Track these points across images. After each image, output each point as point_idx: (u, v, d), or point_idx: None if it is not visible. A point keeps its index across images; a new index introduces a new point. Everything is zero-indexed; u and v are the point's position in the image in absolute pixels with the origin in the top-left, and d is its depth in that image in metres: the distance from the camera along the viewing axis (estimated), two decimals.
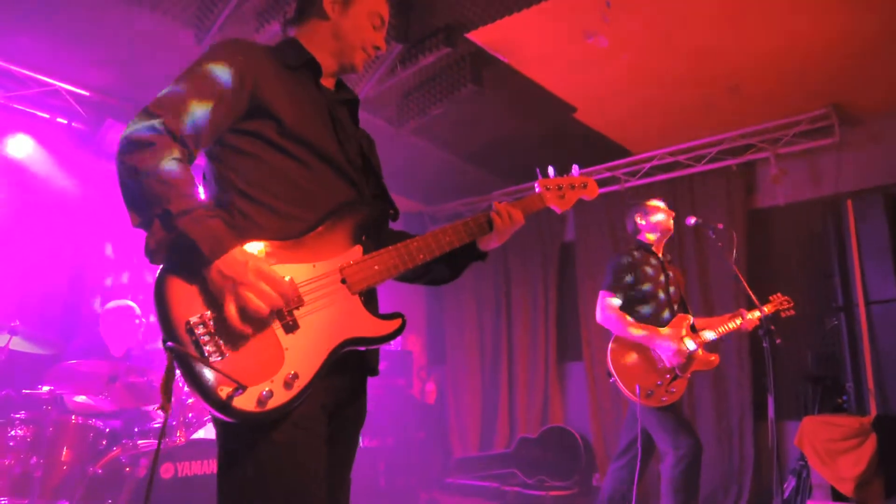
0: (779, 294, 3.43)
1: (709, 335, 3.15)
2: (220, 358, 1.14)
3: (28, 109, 4.21)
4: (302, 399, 1.20)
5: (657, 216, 3.32)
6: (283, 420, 1.19)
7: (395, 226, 1.64)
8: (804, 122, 4.62)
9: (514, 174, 5.92)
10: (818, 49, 3.81)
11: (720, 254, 4.19)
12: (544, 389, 5.90)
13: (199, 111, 1.25)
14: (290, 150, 1.34)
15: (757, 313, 3.21)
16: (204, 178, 1.41)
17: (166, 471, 2.89)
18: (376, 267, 1.37)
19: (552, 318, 5.98)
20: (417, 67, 3.94)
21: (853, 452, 3.50)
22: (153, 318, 3.88)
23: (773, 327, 3.08)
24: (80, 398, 3.31)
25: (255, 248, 1.25)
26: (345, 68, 1.54)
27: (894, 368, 3.65)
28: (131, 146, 1.19)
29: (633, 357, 3.07)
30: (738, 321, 3.23)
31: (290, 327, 1.22)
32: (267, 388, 1.15)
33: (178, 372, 1.16)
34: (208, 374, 1.12)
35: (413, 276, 1.60)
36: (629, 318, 3.13)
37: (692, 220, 3.34)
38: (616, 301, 3.18)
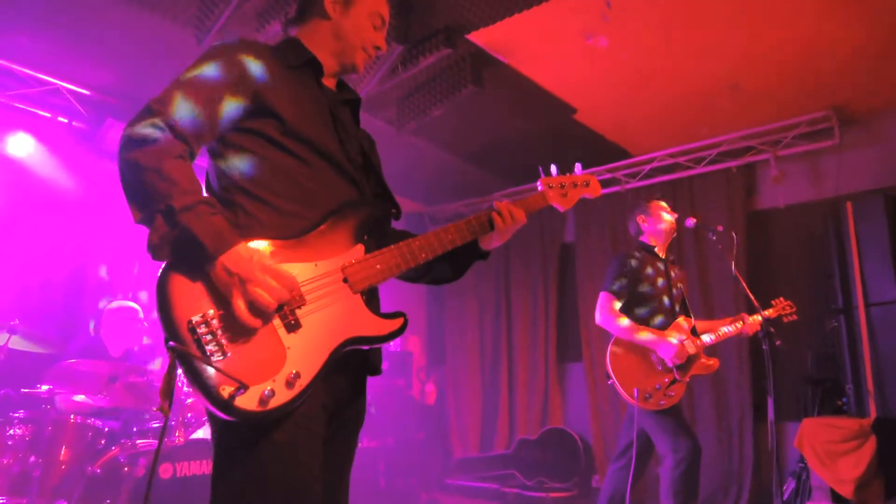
0: (781, 298, 3.43)
1: (709, 339, 3.15)
2: (222, 357, 1.14)
3: (29, 108, 4.21)
4: (304, 398, 1.20)
5: (661, 224, 3.31)
6: (284, 419, 1.18)
7: (396, 225, 1.64)
8: (804, 124, 4.63)
9: (514, 175, 5.92)
10: (818, 51, 3.81)
11: (720, 255, 4.20)
12: (544, 390, 5.90)
13: (200, 109, 1.26)
14: (292, 148, 1.35)
15: (759, 317, 3.21)
16: (206, 175, 1.41)
17: (165, 471, 2.89)
18: (378, 266, 1.36)
19: (552, 319, 5.98)
20: (418, 68, 3.94)
21: (853, 454, 3.50)
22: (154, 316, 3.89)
23: (772, 329, 3.08)
24: (79, 397, 3.31)
25: (258, 246, 1.25)
26: (346, 68, 1.54)
27: (894, 370, 3.64)
28: (133, 143, 1.19)
29: (632, 359, 3.07)
30: (740, 325, 3.23)
31: (292, 326, 1.22)
32: (269, 388, 1.15)
33: (179, 371, 1.15)
34: (210, 374, 1.12)
35: (415, 275, 1.61)
36: (629, 321, 3.12)
37: (692, 222, 3.33)
38: (616, 303, 3.17)
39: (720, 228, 3.32)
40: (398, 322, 1.35)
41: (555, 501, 5.17)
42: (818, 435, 3.64)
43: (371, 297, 1.38)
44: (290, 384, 1.17)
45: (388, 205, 1.49)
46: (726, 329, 3.22)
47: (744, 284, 3.27)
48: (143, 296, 4.50)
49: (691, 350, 3.05)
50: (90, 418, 3.22)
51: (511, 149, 5.34)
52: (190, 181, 1.18)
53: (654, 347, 3.04)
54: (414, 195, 6.55)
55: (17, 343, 3.23)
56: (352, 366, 1.36)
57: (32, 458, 3.06)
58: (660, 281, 3.25)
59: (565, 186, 1.75)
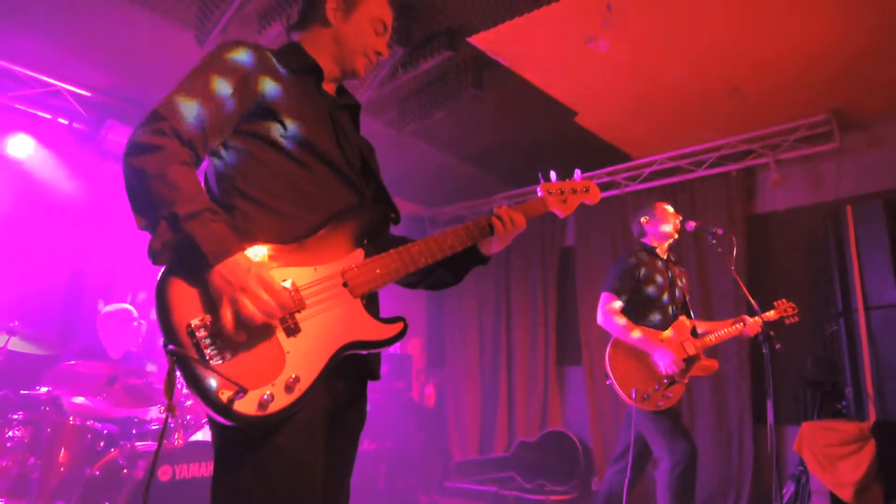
0: (783, 300, 3.43)
1: (709, 340, 3.15)
2: (221, 361, 1.14)
3: (29, 109, 4.21)
4: (303, 403, 1.19)
5: (665, 227, 3.31)
6: (284, 424, 1.18)
7: (396, 231, 1.64)
8: (804, 128, 4.63)
9: (515, 178, 5.92)
10: (818, 55, 3.82)
11: (720, 259, 4.19)
12: (543, 393, 5.90)
13: (205, 113, 1.26)
14: (292, 152, 1.35)
15: (760, 319, 3.21)
16: (205, 177, 1.41)
17: (164, 473, 2.88)
18: (378, 270, 1.37)
19: (552, 322, 5.98)
20: (419, 71, 3.95)
21: (852, 458, 3.50)
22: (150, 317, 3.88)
23: (772, 332, 3.08)
24: (79, 399, 3.30)
25: (258, 251, 1.25)
26: (346, 73, 1.54)
27: (893, 374, 3.64)
28: (139, 149, 1.19)
29: (631, 360, 3.07)
30: (741, 326, 3.23)
31: (292, 331, 1.22)
32: (268, 392, 1.15)
33: (178, 374, 1.15)
34: (209, 378, 1.12)
35: (415, 280, 1.61)
36: (629, 322, 3.12)
37: (692, 225, 3.33)
38: (617, 303, 3.17)
39: (720, 232, 3.32)
40: (398, 327, 1.35)
41: None
42: (818, 438, 3.63)
43: (371, 302, 1.38)
44: (289, 388, 1.17)
45: (387, 209, 1.49)
46: (726, 330, 3.22)
47: (743, 287, 3.27)
48: (142, 297, 4.50)
49: (691, 351, 3.05)
50: (89, 420, 3.21)
51: (511, 151, 5.35)
52: (195, 188, 1.19)
53: (651, 353, 3.04)
54: (414, 197, 6.55)
55: (17, 345, 3.22)
56: (351, 370, 1.36)
57: (31, 460, 3.05)
58: (661, 281, 3.25)
59: (565, 192, 1.76)
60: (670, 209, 3.38)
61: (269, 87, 1.35)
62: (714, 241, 3.32)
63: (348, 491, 1.45)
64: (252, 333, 1.18)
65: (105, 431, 3.25)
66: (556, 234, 6.11)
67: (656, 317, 3.18)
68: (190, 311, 1.16)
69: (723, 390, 4.79)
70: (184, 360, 1.12)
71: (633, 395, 2.95)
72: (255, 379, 1.15)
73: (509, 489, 5.50)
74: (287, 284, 1.24)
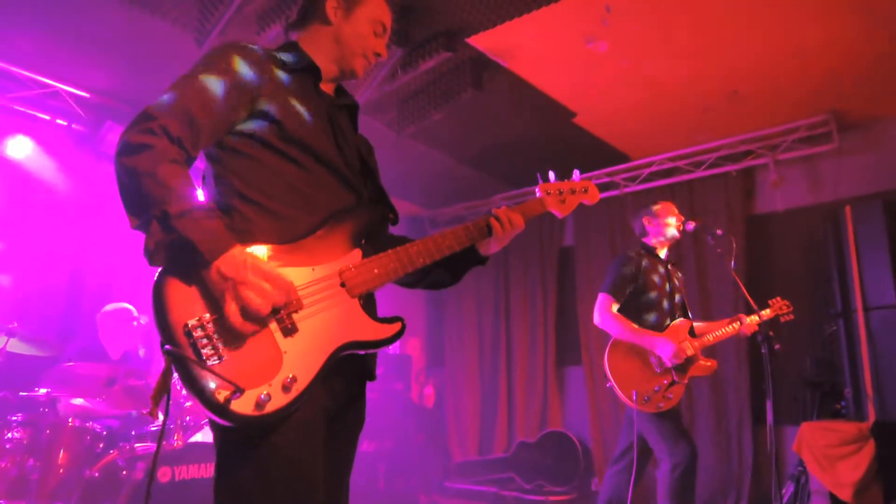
0: (778, 298, 3.43)
1: (707, 340, 3.15)
2: (217, 361, 1.14)
3: (28, 111, 4.21)
4: (300, 403, 1.19)
5: (666, 226, 3.31)
6: (281, 424, 1.18)
7: (395, 230, 1.64)
8: (803, 129, 4.63)
9: (514, 178, 5.92)
10: (817, 56, 3.82)
11: (719, 259, 4.20)
12: (543, 394, 5.90)
13: (197, 113, 1.25)
14: (289, 153, 1.34)
15: (756, 318, 3.21)
16: (203, 179, 1.41)
17: (164, 474, 2.88)
18: (376, 271, 1.37)
19: (551, 323, 5.98)
20: (418, 72, 3.95)
21: (852, 458, 3.50)
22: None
23: (771, 333, 3.08)
24: (78, 401, 3.30)
25: (255, 250, 1.25)
26: (345, 74, 1.54)
27: (893, 374, 3.64)
28: (129, 148, 1.19)
29: (630, 362, 3.06)
30: (737, 325, 3.23)
31: (289, 331, 1.22)
32: (265, 392, 1.15)
33: (175, 375, 1.15)
34: (206, 378, 1.12)
35: (413, 280, 1.61)
36: (628, 321, 3.12)
37: (691, 226, 3.33)
38: (615, 304, 3.17)
39: (719, 232, 3.32)
40: (396, 327, 1.35)
41: None
42: (817, 439, 3.63)
43: (368, 302, 1.38)
44: (286, 388, 1.17)
45: (385, 210, 1.49)
46: (724, 330, 3.22)
47: (742, 288, 3.27)
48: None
49: (689, 351, 3.05)
50: (89, 421, 3.21)
51: (510, 152, 5.35)
52: (185, 186, 1.18)
53: (652, 347, 3.03)
54: (413, 198, 6.55)
55: (16, 346, 3.22)
56: (350, 370, 1.36)
57: (30, 462, 3.05)
58: (659, 282, 3.25)
59: (563, 193, 1.75)
60: (674, 210, 3.36)
61: (265, 88, 1.34)
62: (713, 242, 3.32)
63: (348, 491, 1.45)
64: (248, 334, 1.18)
65: (104, 433, 3.24)
66: (554, 234, 6.12)
67: (654, 317, 3.18)
68: (187, 311, 1.16)
69: (722, 391, 4.79)
70: (181, 361, 1.12)
71: (634, 397, 2.95)
72: (252, 379, 1.15)
73: (509, 490, 5.50)
74: None
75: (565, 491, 5.25)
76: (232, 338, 1.17)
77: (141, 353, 3.90)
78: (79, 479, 3.00)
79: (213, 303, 1.17)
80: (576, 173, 1.81)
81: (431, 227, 6.84)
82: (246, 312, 1.16)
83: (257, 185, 1.32)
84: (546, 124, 4.80)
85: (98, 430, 3.21)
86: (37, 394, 3.22)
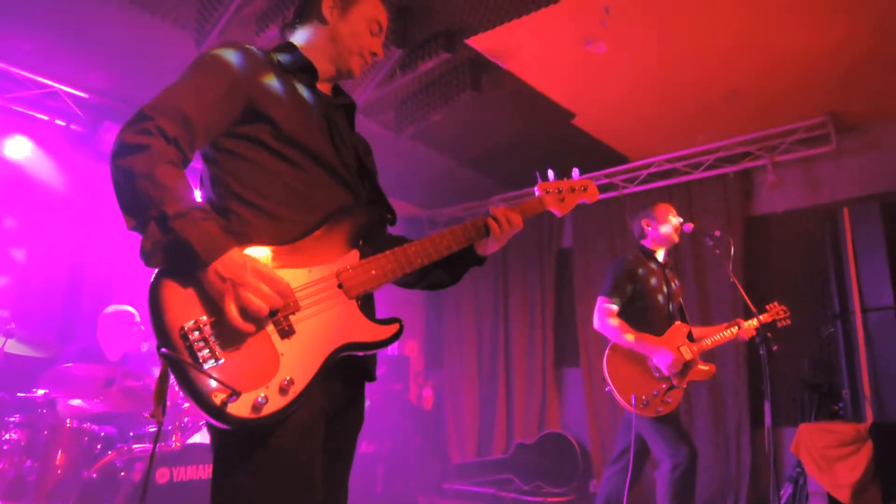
0: (776, 303, 3.44)
1: (705, 345, 3.15)
2: (214, 364, 1.14)
3: (26, 111, 4.21)
4: (298, 405, 1.19)
5: (665, 229, 3.30)
6: (279, 426, 1.18)
7: (393, 231, 1.64)
8: (801, 130, 4.64)
9: (512, 179, 5.92)
10: (815, 58, 3.83)
11: (717, 261, 4.20)
12: (541, 395, 5.89)
13: (193, 114, 1.25)
14: (286, 153, 1.34)
15: (754, 322, 3.21)
16: (201, 181, 1.41)
17: (162, 475, 2.88)
18: (374, 272, 1.36)
19: (550, 324, 5.97)
20: (417, 73, 3.95)
21: (850, 459, 3.50)
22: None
23: (769, 335, 3.08)
24: (76, 402, 3.29)
25: (252, 252, 1.24)
26: (341, 73, 1.54)
27: (890, 375, 3.65)
28: (125, 149, 1.19)
29: (629, 366, 3.06)
30: (735, 330, 3.23)
31: (286, 333, 1.22)
32: (262, 394, 1.14)
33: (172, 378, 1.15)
34: (203, 380, 1.11)
35: (411, 280, 1.60)
36: (626, 326, 3.11)
37: (689, 227, 3.33)
38: (614, 307, 3.17)
39: (717, 233, 3.32)
40: (393, 328, 1.35)
41: None
42: (815, 440, 3.64)
43: (366, 303, 1.38)
44: (283, 391, 1.17)
45: (383, 210, 1.49)
46: (722, 335, 3.22)
47: (741, 290, 3.27)
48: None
49: (688, 356, 3.05)
50: (86, 422, 3.20)
51: (509, 153, 5.35)
52: (182, 187, 1.18)
53: (651, 355, 3.04)
54: (412, 199, 6.55)
55: (14, 347, 3.21)
56: (348, 371, 1.36)
57: (28, 463, 3.04)
58: (657, 286, 3.24)
59: (562, 191, 1.75)
60: (673, 213, 3.35)
61: (261, 88, 1.34)
62: (712, 243, 3.32)
63: (346, 492, 1.45)
64: (245, 336, 1.17)
65: (102, 434, 3.24)
66: (553, 235, 6.12)
67: (653, 321, 3.17)
68: (183, 313, 1.15)
69: (720, 393, 4.79)
70: (177, 364, 1.11)
71: (633, 401, 2.95)
72: (249, 382, 1.15)
73: (507, 491, 5.50)
74: None
75: (563, 492, 5.25)
76: (228, 340, 1.16)
77: (144, 347, 3.88)
78: (77, 480, 2.99)
79: (210, 305, 1.17)
80: (575, 172, 1.80)
81: (430, 227, 6.84)
82: (246, 314, 1.15)
83: (254, 186, 1.32)
84: (545, 125, 4.80)
85: (96, 431, 3.21)
86: (35, 395, 3.21)
